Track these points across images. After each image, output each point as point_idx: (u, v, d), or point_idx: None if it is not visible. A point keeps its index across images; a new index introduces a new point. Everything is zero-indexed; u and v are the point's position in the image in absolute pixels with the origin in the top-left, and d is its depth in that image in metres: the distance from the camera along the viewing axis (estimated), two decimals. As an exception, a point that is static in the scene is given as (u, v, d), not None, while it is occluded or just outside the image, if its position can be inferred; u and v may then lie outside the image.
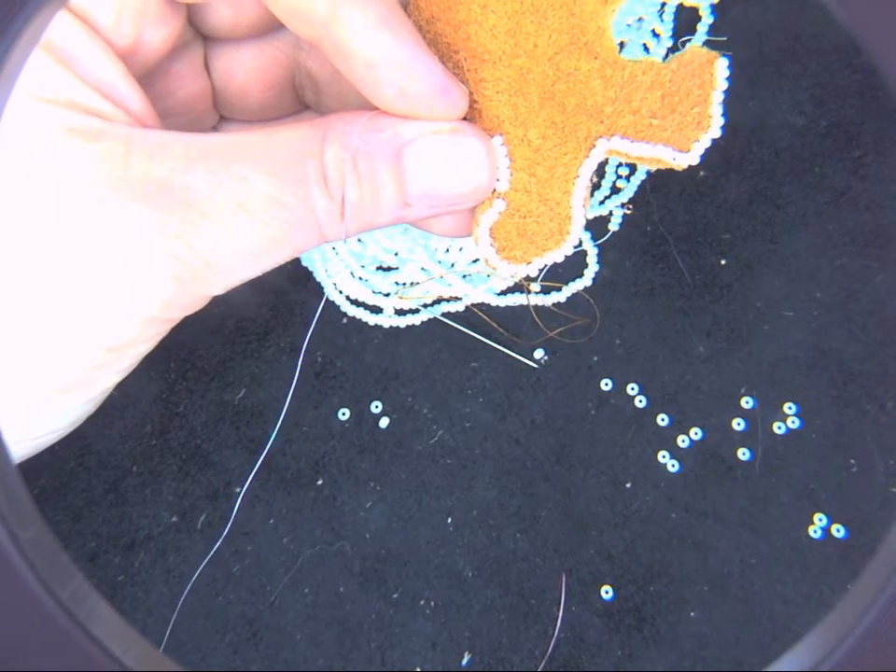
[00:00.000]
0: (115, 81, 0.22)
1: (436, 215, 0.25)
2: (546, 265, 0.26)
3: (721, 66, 0.24)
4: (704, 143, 0.24)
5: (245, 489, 0.31)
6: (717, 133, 0.24)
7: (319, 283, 0.32)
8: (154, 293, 0.22)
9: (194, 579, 0.30)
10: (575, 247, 0.26)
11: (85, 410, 0.24)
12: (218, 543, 0.30)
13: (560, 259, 0.26)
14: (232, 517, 0.30)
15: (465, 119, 0.24)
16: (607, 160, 0.33)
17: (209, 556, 0.30)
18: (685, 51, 0.24)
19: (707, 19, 0.33)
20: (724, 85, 0.24)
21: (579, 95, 0.24)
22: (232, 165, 0.22)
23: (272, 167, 0.22)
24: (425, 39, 0.23)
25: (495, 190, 0.25)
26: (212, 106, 0.27)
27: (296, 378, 0.31)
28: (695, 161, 0.24)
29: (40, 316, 0.21)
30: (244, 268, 0.23)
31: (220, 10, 0.25)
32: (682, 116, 0.24)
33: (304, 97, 0.28)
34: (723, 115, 0.24)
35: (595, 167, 0.25)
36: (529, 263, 0.26)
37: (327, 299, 0.32)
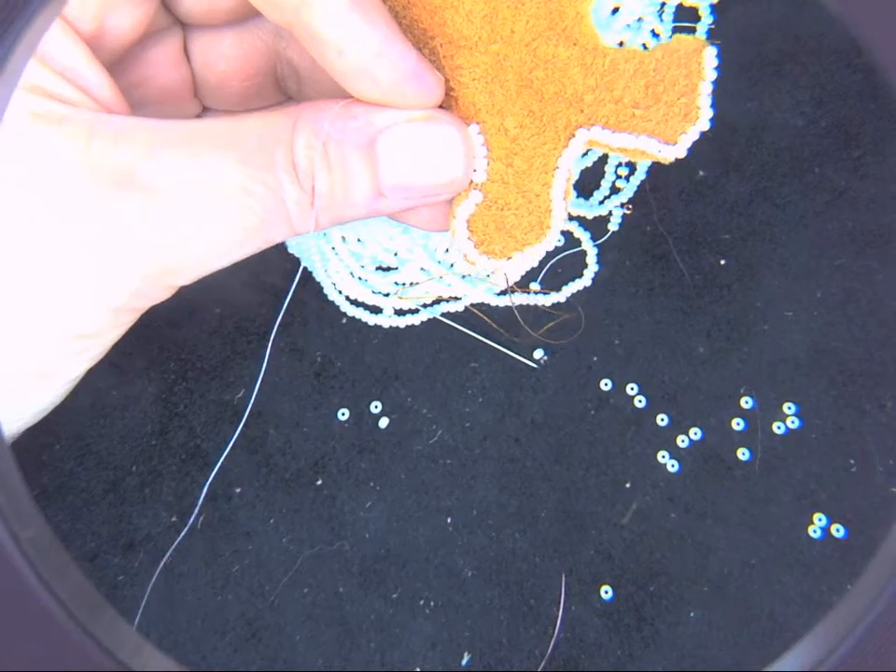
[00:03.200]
0: (79, 66, 0.22)
1: (412, 207, 0.24)
2: (527, 262, 0.25)
3: (710, 55, 0.23)
4: (691, 135, 0.23)
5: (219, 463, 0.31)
6: (705, 126, 0.23)
7: (319, 283, 0.32)
8: (120, 283, 0.21)
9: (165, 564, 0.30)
10: (575, 248, 0.26)
11: (57, 395, 0.24)
12: (184, 533, 0.30)
13: (541, 255, 0.25)
14: (199, 504, 0.30)
15: (441, 107, 0.23)
16: (606, 158, 0.33)
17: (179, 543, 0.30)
18: (671, 40, 0.23)
19: (706, 19, 0.33)
20: (713, 75, 0.23)
21: (557, 83, 0.23)
22: (199, 152, 0.21)
23: (239, 154, 0.21)
24: (401, 25, 0.23)
25: (472, 181, 0.24)
26: (193, 96, 0.27)
27: (261, 374, 0.31)
28: (682, 153, 0.24)
29: (5, 303, 0.21)
30: (211, 258, 0.22)
31: None
32: (668, 106, 0.23)
33: (287, 88, 0.28)
34: (712, 106, 0.23)
35: (575, 158, 0.24)
36: (509, 258, 0.25)
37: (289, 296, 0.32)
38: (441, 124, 0.23)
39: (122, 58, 0.25)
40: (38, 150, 0.20)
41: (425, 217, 0.25)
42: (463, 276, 0.32)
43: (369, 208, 0.23)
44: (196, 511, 0.30)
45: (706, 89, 0.23)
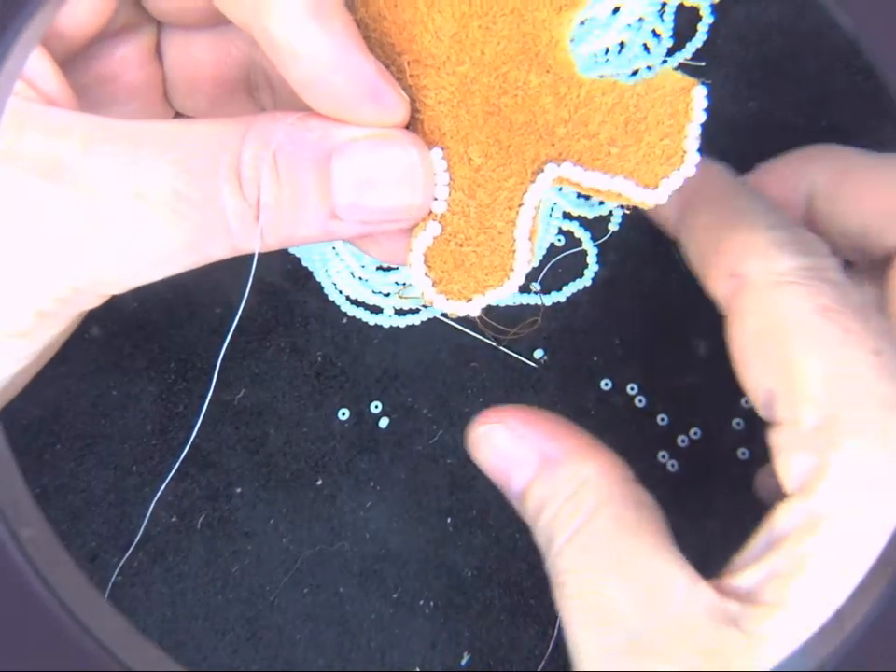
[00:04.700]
0: None
1: (369, 233, 0.22)
2: (487, 303, 0.23)
3: (700, 95, 0.21)
4: (674, 180, 0.21)
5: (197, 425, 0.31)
6: (691, 171, 0.21)
7: (319, 283, 0.32)
8: (46, 286, 0.20)
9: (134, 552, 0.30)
10: (575, 248, 0.25)
11: None
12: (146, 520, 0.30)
13: (502, 297, 0.23)
14: (161, 493, 0.30)
15: (407, 128, 0.22)
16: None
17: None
18: (656, 74, 0.21)
19: (707, 19, 0.33)
20: (702, 117, 0.21)
21: (527, 112, 0.22)
22: (138, 151, 0.20)
23: (179, 157, 0.20)
24: (370, 39, 0.22)
25: (431, 212, 0.22)
26: (162, 97, 0.26)
27: (213, 376, 0.31)
28: (663, 199, 0.22)
29: None
30: (141, 267, 0.21)
31: None
32: (650, 147, 0.21)
33: (260, 99, 0.26)
34: (699, 150, 0.21)
35: (541, 195, 0.22)
36: (469, 301, 0.23)
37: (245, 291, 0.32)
38: (402, 145, 0.21)
39: (87, 52, 0.24)
40: None
41: (385, 247, 0.24)
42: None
43: (321, 229, 0.21)
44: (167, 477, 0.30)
45: (693, 131, 0.21)
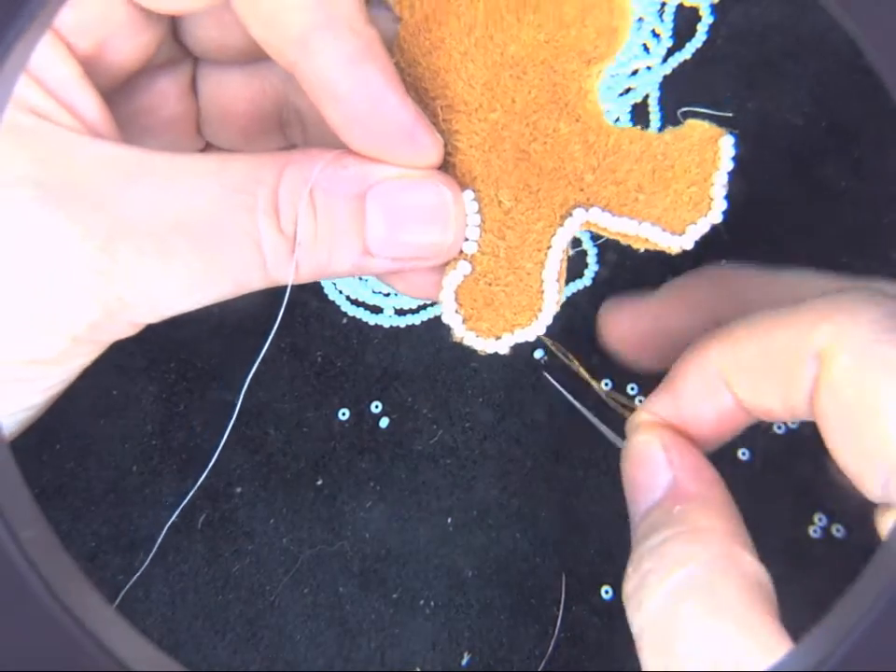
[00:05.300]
0: (65, 81, 0.21)
1: (400, 270, 0.23)
2: (515, 342, 0.23)
3: (727, 144, 0.22)
4: (701, 227, 0.22)
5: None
6: (717, 218, 0.22)
7: (319, 283, 0.32)
8: (79, 311, 0.20)
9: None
10: (575, 248, 0.26)
11: (10, 423, 0.22)
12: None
13: (531, 339, 0.24)
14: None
15: (440, 170, 0.23)
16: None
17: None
18: (684, 125, 0.22)
19: (707, 19, 0.33)
20: (730, 165, 0.22)
21: (556, 158, 0.22)
22: (178, 184, 0.20)
23: (218, 190, 0.20)
24: (406, 82, 0.22)
25: (462, 251, 0.23)
26: (196, 130, 0.27)
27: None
28: (689, 245, 0.22)
29: None
30: (176, 297, 0.21)
31: (207, 29, 0.24)
32: (677, 194, 0.22)
33: (291, 135, 0.27)
34: (726, 198, 0.22)
35: (569, 239, 0.23)
36: (498, 339, 0.23)
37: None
38: (436, 185, 0.22)
39: (128, 85, 0.24)
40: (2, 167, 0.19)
41: (412, 283, 0.24)
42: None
43: (354, 264, 0.22)
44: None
45: (720, 179, 0.22)
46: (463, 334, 0.23)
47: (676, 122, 0.23)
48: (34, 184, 0.19)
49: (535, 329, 0.23)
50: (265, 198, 0.21)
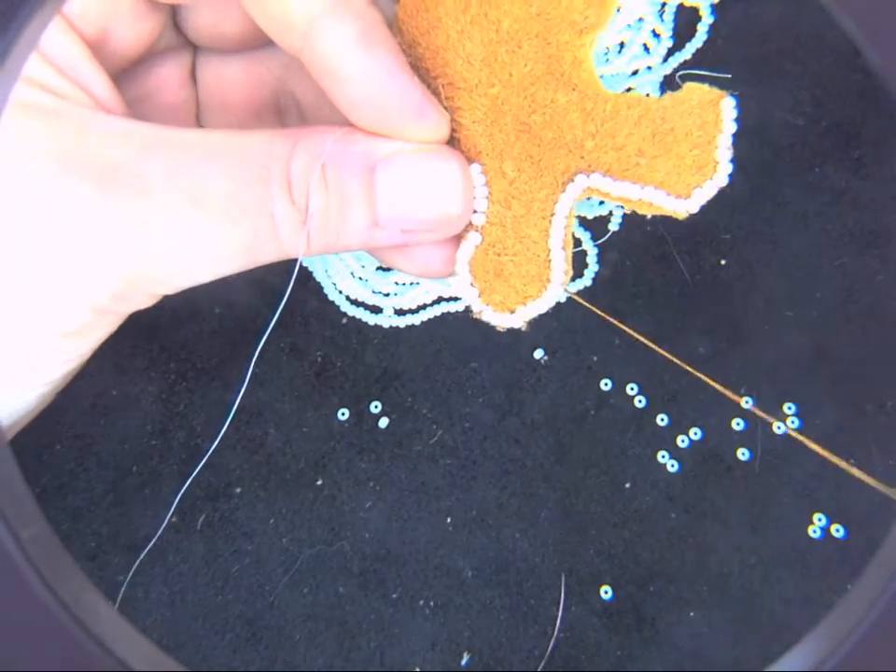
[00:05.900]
0: (77, 63, 0.22)
1: (408, 243, 0.23)
2: (530, 315, 0.24)
3: (728, 106, 0.22)
4: (707, 190, 0.22)
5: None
6: (723, 181, 0.22)
7: (319, 283, 0.32)
8: (102, 282, 0.21)
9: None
10: (575, 248, 0.26)
11: (35, 397, 0.23)
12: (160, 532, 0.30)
13: (543, 310, 0.24)
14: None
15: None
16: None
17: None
18: (682, 89, 0.22)
19: (707, 19, 0.33)
20: (733, 127, 0.22)
21: (556, 128, 0.23)
22: (194, 158, 0.21)
23: (233, 164, 0.21)
24: (408, 62, 0.23)
25: (471, 223, 0.24)
26: (194, 118, 0.27)
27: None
28: (695, 208, 0.22)
29: None
30: (194, 269, 0.22)
31: (205, 17, 0.25)
32: (679, 158, 0.22)
33: (289, 123, 0.28)
34: (732, 160, 0.22)
35: (571, 204, 0.23)
36: (513, 312, 0.24)
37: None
38: (444, 159, 0.22)
39: (129, 70, 0.25)
40: (23, 142, 0.20)
41: (418, 261, 0.25)
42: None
43: (363, 237, 0.23)
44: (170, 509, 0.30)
45: (724, 142, 0.22)
46: (480, 307, 0.24)
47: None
48: (59, 158, 0.20)
49: (546, 300, 0.24)
50: (278, 171, 0.21)
